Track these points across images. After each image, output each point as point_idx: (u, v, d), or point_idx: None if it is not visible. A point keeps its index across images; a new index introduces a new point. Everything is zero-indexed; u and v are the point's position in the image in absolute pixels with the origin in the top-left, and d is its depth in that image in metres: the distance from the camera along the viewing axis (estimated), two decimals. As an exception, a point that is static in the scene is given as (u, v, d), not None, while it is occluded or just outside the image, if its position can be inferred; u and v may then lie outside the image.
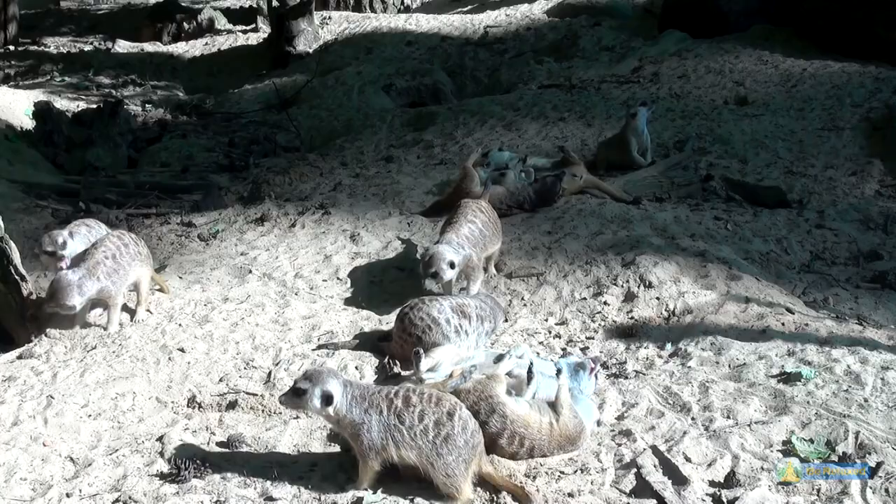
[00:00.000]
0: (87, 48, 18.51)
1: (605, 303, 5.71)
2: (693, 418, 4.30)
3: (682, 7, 14.15)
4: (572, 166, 7.71)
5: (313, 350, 5.22)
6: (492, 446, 3.97)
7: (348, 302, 5.96)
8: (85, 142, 11.22)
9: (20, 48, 18.73)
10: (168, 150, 11.49)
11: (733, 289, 5.67)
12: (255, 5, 20.27)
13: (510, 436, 3.96)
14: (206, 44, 18.48)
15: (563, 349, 5.18)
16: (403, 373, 4.85)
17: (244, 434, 4.30)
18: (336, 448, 4.21)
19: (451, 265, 5.55)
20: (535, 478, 3.88)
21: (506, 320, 5.59)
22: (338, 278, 6.33)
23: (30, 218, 7.76)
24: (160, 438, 4.26)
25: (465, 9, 19.21)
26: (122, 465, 4.04)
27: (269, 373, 4.94)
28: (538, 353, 4.96)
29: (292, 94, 13.68)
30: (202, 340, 5.34)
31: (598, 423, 4.34)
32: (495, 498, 3.73)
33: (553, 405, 4.08)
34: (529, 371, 4.27)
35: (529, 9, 17.48)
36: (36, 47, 18.81)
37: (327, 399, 3.74)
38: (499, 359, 4.39)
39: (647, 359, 5.04)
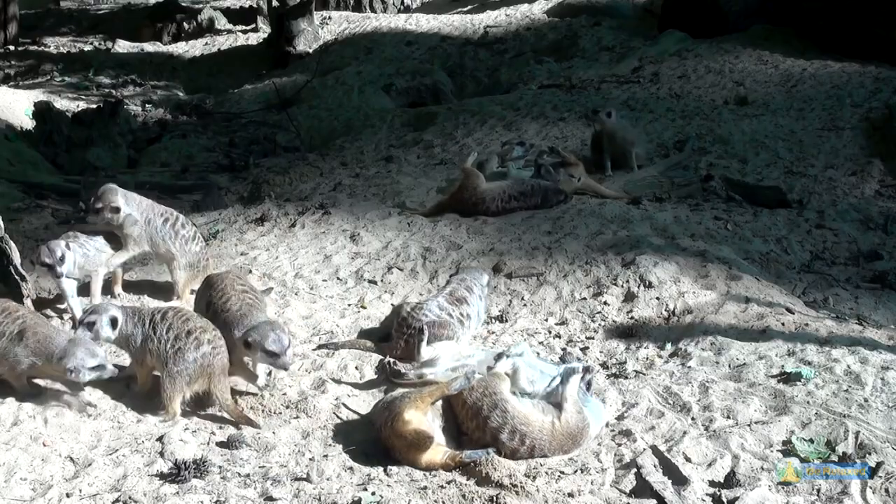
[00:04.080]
0: (87, 48, 18.51)
1: (605, 303, 5.71)
2: (693, 418, 4.31)
3: (682, 7, 14.16)
4: (570, 167, 7.72)
5: (313, 350, 5.22)
6: (493, 442, 4.02)
7: (348, 302, 5.96)
8: (85, 142, 11.21)
9: (20, 48, 18.73)
10: (168, 150, 11.48)
11: (733, 289, 5.67)
12: (255, 5, 20.28)
13: (511, 431, 4.02)
14: (206, 44, 18.47)
15: (563, 349, 5.18)
16: (403, 370, 4.85)
17: (244, 434, 4.30)
18: (336, 448, 4.21)
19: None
20: (535, 478, 3.88)
21: (504, 319, 5.60)
22: (338, 278, 6.33)
23: (30, 218, 7.74)
24: (160, 438, 4.26)
25: (465, 9, 19.20)
26: (122, 465, 4.04)
27: (269, 373, 4.93)
28: (538, 353, 4.96)
29: (292, 94, 13.67)
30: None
31: (607, 424, 4.37)
32: (495, 498, 3.73)
33: (558, 401, 4.12)
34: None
35: (529, 9, 17.47)
36: (36, 47, 18.80)
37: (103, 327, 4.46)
38: (499, 357, 4.41)
39: (647, 359, 5.04)
